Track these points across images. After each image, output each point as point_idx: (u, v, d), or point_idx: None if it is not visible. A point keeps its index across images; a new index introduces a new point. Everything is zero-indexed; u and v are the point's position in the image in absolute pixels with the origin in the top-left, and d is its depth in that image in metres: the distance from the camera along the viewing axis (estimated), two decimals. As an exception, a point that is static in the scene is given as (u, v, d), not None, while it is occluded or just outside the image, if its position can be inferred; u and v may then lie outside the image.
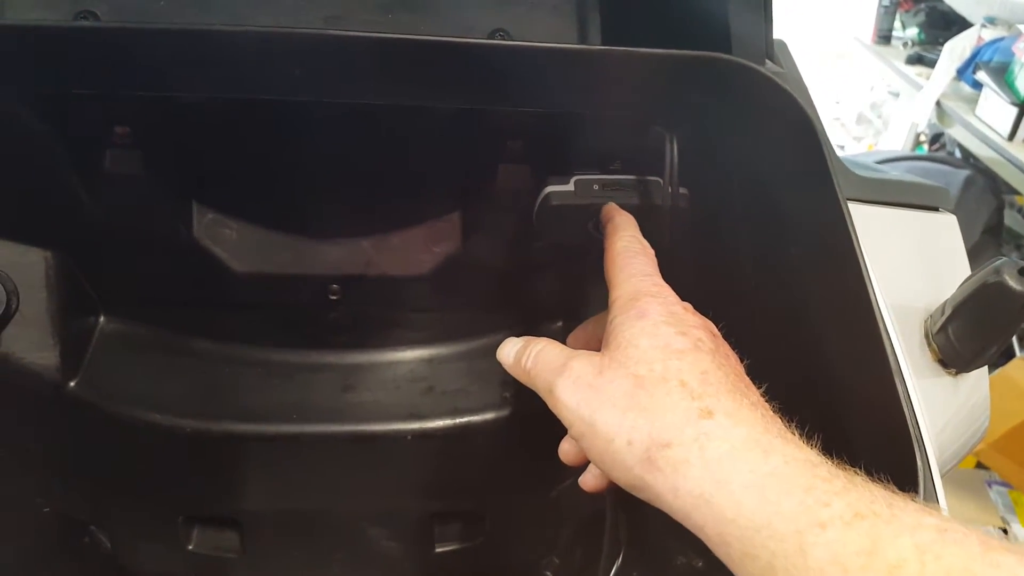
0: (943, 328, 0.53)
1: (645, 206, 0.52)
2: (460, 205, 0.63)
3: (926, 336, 0.54)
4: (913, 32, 2.91)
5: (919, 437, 0.42)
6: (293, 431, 0.64)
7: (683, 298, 0.45)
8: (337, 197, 0.63)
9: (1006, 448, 1.68)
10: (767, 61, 0.55)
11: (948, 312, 0.53)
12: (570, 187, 0.54)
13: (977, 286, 0.52)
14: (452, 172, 0.61)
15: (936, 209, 0.60)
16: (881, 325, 0.43)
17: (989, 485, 1.95)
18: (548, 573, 0.73)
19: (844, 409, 0.47)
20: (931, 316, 0.56)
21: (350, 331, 0.68)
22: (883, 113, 4.42)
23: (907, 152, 2.78)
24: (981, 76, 2.31)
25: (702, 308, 0.46)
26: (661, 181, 0.52)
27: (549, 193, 0.55)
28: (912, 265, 0.56)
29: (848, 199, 0.48)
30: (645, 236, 0.50)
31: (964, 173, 2.27)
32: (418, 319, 0.68)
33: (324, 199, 0.63)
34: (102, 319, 0.66)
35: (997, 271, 0.52)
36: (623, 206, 0.53)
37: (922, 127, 2.63)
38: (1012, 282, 0.51)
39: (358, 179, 0.61)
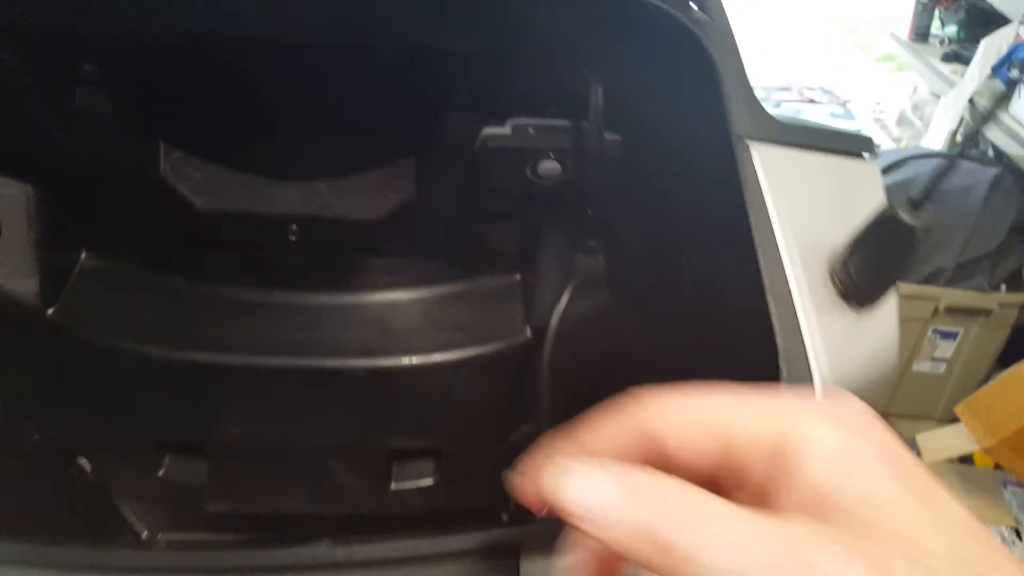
0: (844, 264, 0.55)
1: (576, 150, 0.54)
2: (412, 152, 0.66)
3: (830, 273, 0.55)
4: (952, 30, 2.86)
5: (810, 362, 0.44)
6: (254, 363, 0.67)
7: (626, 244, 0.47)
8: (295, 140, 0.66)
9: (1018, 445, 1.65)
10: (692, 7, 0.57)
11: (848, 248, 0.55)
12: (507, 130, 0.57)
13: (872, 221, 0.53)
14: (403, 118, 0.63)
15: (859, 156, 0.61)
16: (780, 258, 0.45)
17: (1004, 485, 1.92)
18: (504, 516, 0.75)
19: (744, 331, 0.48)
20: (835, 254, 0.57)
21: (310, 273, 0.71)
22: (925, 115, 4.34)
23: (934, 149, 2.73)
24: (1016, 74, 2.27)
25: (642, 249, 0.49)
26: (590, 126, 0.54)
27: (486, 135, 0.58)
28: (827, 207, 0.56)
29: (767, 141, 0.50)
30: (578, 182, 0.52)
31: (993, 171, 2.23)
32: (376, 264, 0.72)
33: (283, 141, 0.66)
34: (83, 255, 0.71)
35: (891, 205, 0.53)
36: (556, 150, 0.55)
37: (953, 125, 2.59)
38: (904, 215, 0.52)
39: (315, 123, 0.64)
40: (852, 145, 0.60)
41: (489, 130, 0.58)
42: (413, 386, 0.69)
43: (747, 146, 0.52)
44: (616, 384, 0.54)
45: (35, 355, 0.69)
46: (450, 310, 0.64)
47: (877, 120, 5.08)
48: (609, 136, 0.57)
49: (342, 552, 0.52)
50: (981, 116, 2.36)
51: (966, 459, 2.08)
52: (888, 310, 0.57)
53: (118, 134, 0.62)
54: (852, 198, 0.55)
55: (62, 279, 0.68)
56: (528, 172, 0.59)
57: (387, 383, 0.68)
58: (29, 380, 0.70)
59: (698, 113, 0.52)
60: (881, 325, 0.56)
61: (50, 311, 0.66)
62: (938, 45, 2.82)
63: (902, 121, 4.63)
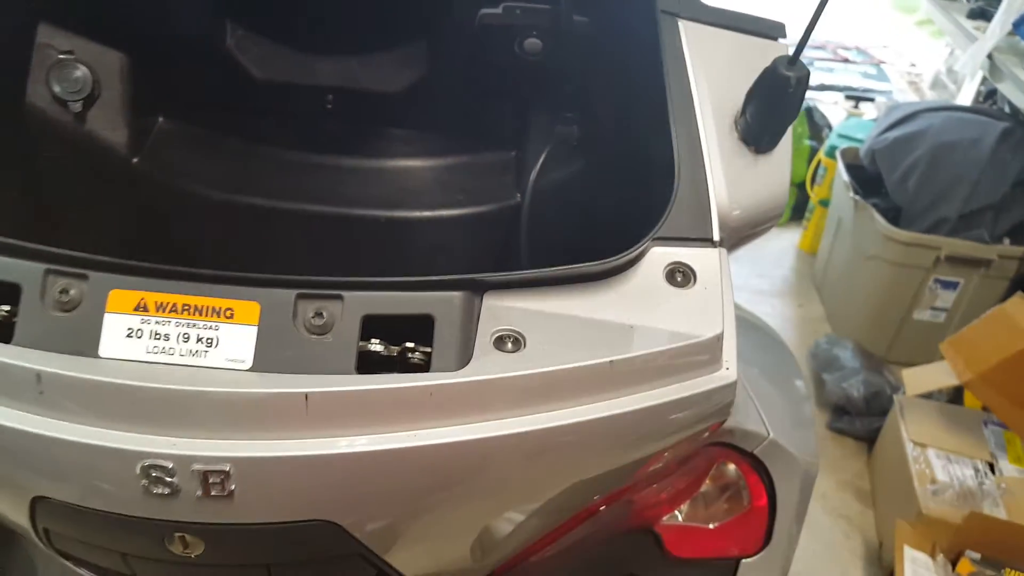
0: (743, 113, 0.66)
1: (553, 29, 0.66)
2: (425, 33, 0.80)
3: (734, 122, 0.67)
4: (982, -13, 2.87)
5: (709, 187, 0.57)
6: (296, 208, 0.84)
7: (596, 113, 0.59)
8: (333, 21, 0.82)
9: (995, 380, 1.75)
10: None
11: (745, 100, 0.66)
12: (499, 11, 0.71)
13: (760, 75, 0.64)
14: (422, 4, 0.77)
15: (774, 39, 0.72)
16: (693, 110, 0.58)
17: (985, 424, 2.01)
18: None
19: (658, 169, 0.61)
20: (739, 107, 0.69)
21: (343, 139, 0.87)
22: (959, 78, 4.31)
23: (948, 103, 2.77)
24: (1035, 30, 2.31)
25: (603, 110, 0.61)
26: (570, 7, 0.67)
27: (483, 13, 0.71)
28: (740, 74, 0.67)
29: (694, 19, 0.63)
30: (556, 61, 0.64)
31: (1003, 125, 2.28)
32: (396, 134, 0.87)
33: (323, 22, 0.82)
34: (160, 119, 0.86)
35: (773, 63, 0.64)
36: (537, 28, 0.69)
37: (970, 80, 2.62)
38: (782, 69, 0.63)
39: (348, 6, 0.79)
40: (767, 29, 0.71)
41: (485, 10, 0.72)
42: (422, 236, 0.84)
43: (675, 21, 0.65)
44: (585, 237, 0.67)
45: (120, 196, 0.84)
46: (456, 177, 0.80)
47: (911, 82, 5.07)
48: (579, 18, 0.71)
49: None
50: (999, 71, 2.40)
51: (956, 400, 2.18)
52: (782, 154, 0.69)
53: (194, 13, 0.78)
54: (761, 68, 0.66)
55: (145, 135, 0.83)
56: (516, 48, 0.73)
57: (401, 232, 0.84)
58: (113, 221, 0.85)
59: None
60: (775, 165, 0.68)
61: (135, 160, 0.82)
62: (965, 1, 2.84)
63: (936, 84, 4.62)
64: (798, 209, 3.37)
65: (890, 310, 2.49)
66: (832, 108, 3.96)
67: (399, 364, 0.56)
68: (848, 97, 4.17)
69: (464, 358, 0.55)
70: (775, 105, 0.64)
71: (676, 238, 0.62)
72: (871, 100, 4.18)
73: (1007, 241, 2.30)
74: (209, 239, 0.87)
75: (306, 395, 0.51)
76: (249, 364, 0.53)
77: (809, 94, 4.55)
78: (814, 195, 3.13)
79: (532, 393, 0.55)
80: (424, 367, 0.55)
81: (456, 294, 0.56)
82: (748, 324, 1.23)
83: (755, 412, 0.90)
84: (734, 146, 0.66)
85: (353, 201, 0.85)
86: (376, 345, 0.55)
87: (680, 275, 0.61)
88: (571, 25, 0.69)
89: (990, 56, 2.46)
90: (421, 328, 0.55)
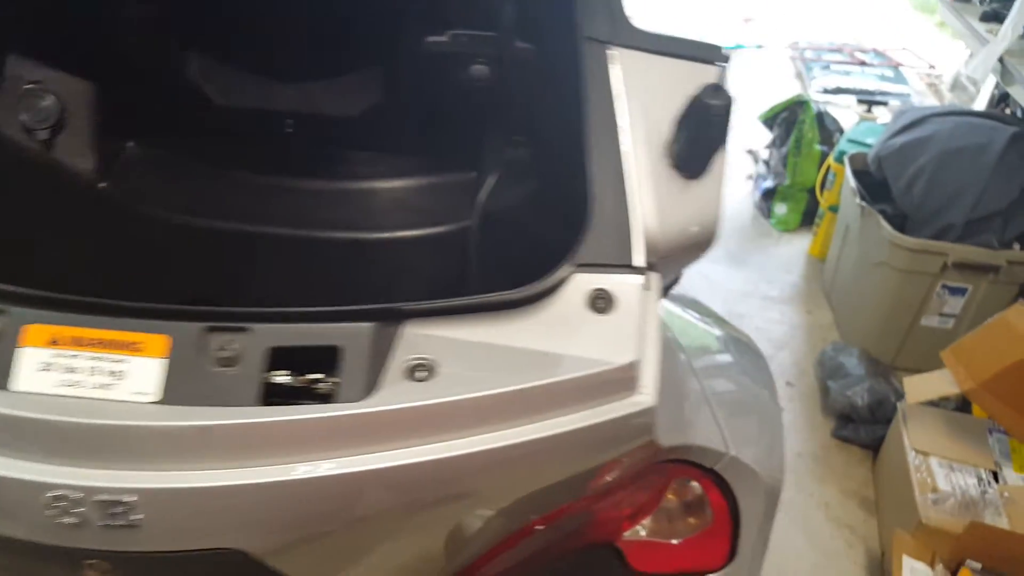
0: (675, 140, 0.67)
1: (496, 56, 0.67)
2: (378, 61, 0.82)
3: (666, 149, 0.68)
4: (995, -11, 2.83)
5: (631, 213, 0.58)
6: (257, 231, 0.85)
7: (541, 131, 0.61)
8: (290, 51, 0.83)
9: (996, 388, 1.72)
10: None
11: (674, 127, 0.66)
12: (445, 38, 0.72)
13: (687, 104, 0.65)
14: (371, 32, 0.79)
15: (711, 63, 0.72)
16: (618, 137, 0.59)
17: (990, 432, 1.98)
18: None
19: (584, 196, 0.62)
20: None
21: (304, 163, 0.88)
22: (977, 80, 4.25)
23: (956, 107, 2.73)
24: (1046, 33, 2.27)
25: (547, 138, 0.62)
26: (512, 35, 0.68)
27: (430, 41, 0.72)
28: (674, 102, 0.67)
29: (628, 47, 0.64)
30: (504, 86, 0.65)
31: (1012, 130, 2.25)
32: (357, 157, 0.88)
33: (281, 52, 0.84)
34: (130, 144, 0.88)
35: (699, 91, 0.64)
36: (483, 55, 0.70)
37: (980, 82, 2.59)
38: (707, 98, 0.64)
39: (305, 37, 0.81)
40: (704, 53, 0.71)
41: (432, 37, 0.73)
42: (383, 257, 0.85)
43: (604, 49, 0.66)
44: (535, 261, 0.68)
45: (84, 219, 0.86)
46: (417, 199, 0.81)
47: (931, 85, 5.00)
48: (523, 45, 0.72)
49: None
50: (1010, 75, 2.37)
51: (964, 408, 2.15)
52: (713, 179, 0.69)
53: (160, 42, 0.80)
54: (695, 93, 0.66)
55: (113, 160, 0.85)
56: (464, 74, 0.74)
57: (362, 253, 0.86)
58: (80, 241, 0.87)
59: (561, 21, 0.65)
60: (706, 190, 0.68)
61: (101, 184, 0.84)
62: (978, 4, 2.81)
63: (956, 86, 4.55)
64: (809, 215, 3.35)
65: (897, 317, 2.46)
66: (846, 112, 3.92)
67: (307, 394, 0.56)
68: (861, 101, 4.13)
69: (370, 388, 0.56)
70: (702, 133, 0.64)
71: (599, 264, 0.63)
72: (885, 104, 4.13)
73: (1016, 247, 2.26)
74: (168, 262, 0.89)
75: (206, 428, 0.52)
76: (156, 397, 0.54)
77: (823, 98, 4.52)
78: (824, 201, 3.10)
79: (438, 422, 0.56)
80: (331, 397, 0.56)
81: (365, 325, 0.57)
82: (720, 338, 1.23)
83: (716, 429, 0.89)
84: (664, 172, 0.67)
85: (315, 223, 0.87)
86: (282, 377, 0.56)
87: (601, 301, 0.62)
88: (514, 52, 0.70)
89: (1001, 60, 2.43)
90: (331, 358, 0.56)
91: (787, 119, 3.47)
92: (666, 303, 1.15)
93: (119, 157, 0.87)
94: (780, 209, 3.46)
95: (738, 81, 4.88)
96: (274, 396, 0.56)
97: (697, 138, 0.64)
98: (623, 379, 0.60)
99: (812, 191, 3.25)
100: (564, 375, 0.58)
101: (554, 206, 0.80)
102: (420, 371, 0.57)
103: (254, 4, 0.82)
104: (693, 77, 0.66)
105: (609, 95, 0.66)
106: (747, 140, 4.12)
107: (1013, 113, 2.60)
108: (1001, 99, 2.77)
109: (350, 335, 0.56)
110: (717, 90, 0.63)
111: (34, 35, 0.77)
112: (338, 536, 0.59)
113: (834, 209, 3.02)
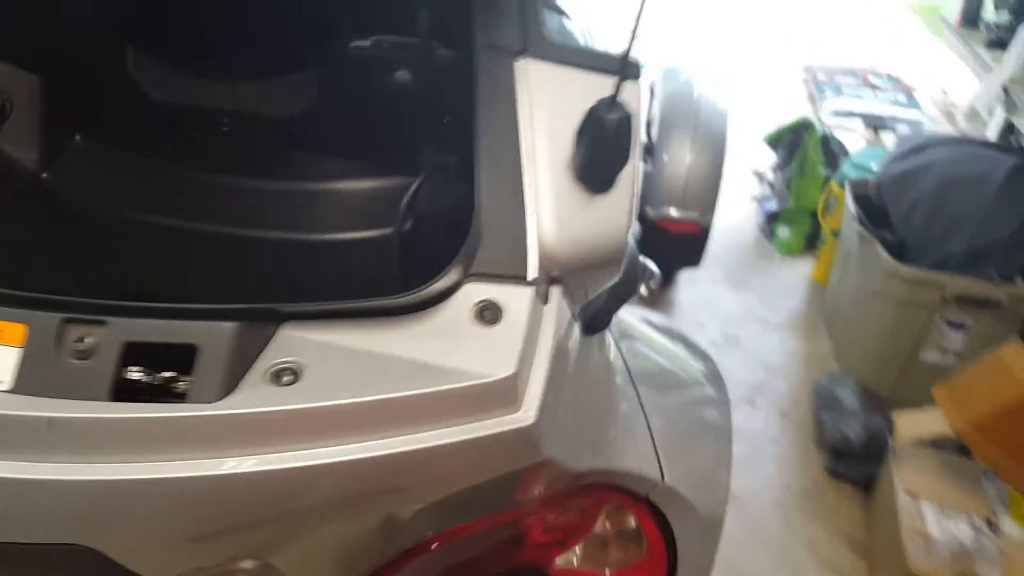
0: (576, 152, 0.63)
1: (421, 61, 0.64)
2: (310, 63, 0.80)
3: (570, 161, 0.64)
4: (1004, 16, 2.77)
5: (528, 225, 0.60)
6: (189, 227, 0.83)
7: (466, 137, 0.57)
8: (225, 49, 0.83)
9: (989, 430, 1.65)
10: None
11: (575, 140, 0.62)
12: (368, 43, 0.69)
13: (584, 117, 0.61)
14: (304, 36, 0.78)
15: (626, 77, 0.68)
16: (517, 147, 0.55)
17: (986, 477, 1.90)
18: None
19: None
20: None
21: (241, 162, 0.86)
22: (995, 109, 4.17)
23: (957, 135, 2.66)
24: (1053, 61, 2.21)
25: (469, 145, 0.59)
26: (431, 42, 0.64)
27: (353, 46, 0.70)
28: (579, 113, 0.64)
29: (537, 58, 0.60)
30: (428, 92, 0.62)
31: (1013, 161, 2.18)
32: (295, 158, 0.86)
33: (219, 50, 0.82)
34: (77, 137, 0.87)
35: (596, 104, 0.61)
36: (405, 60, 0.66)
37: (985, 111, 2.52)
38: (601, 112, 0.61)
39: (240, 36, 0.79)
40: (617, 66, 0.67)
41: (356, 42, 0.71)
42: (319, 259, 0.83)
43: (509, 59, 0.64)
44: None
45: (21, 208, 0.85)
46: (354, 201, 0.80)
47: (946, 112, 4.92)
48: (445, 52, 0.69)
49: None
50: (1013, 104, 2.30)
51: (965, 451, 2.06)
52: (620, 194, 0.66)
53: (98, 38, 0.79)
54: None
55: (57, 152, 0.84)
56: (388, 79, 0.71)
57: (297, 254, 0.84)
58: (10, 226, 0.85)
59: (465, 30, 0.62)
60: (611, 205, 0.65)
61: (44, 175, 0.83)
62: (984, 31, 2.74)
63: (972, 114, 4.47)
64: (812, 239, 3.28)
65: (895, 349, 2.38)
66: (853, 136, 3.86)
67: (163, 392, 0.54)
68: (868, 125, 4.06)
69: (227, 390, 0.54)
70: (600, 147, 0.62)
71: (491, 275, 0.61)
72: (892, 129, 4.05)
73: (1019, 281, 2.18)
74: (95, 253, 0.87)
75: (49, 419, 0.51)
76: (8, 386, 0.53)
77: (834, 121, 4.45)
78: (826, 225, 3.03)
79: (295, 429, 0.53)
80: (185, 397, 0.54)
81: (226, 325, 0.55)
82: (677, 357, 1.18)
83: (652, 455, 0.85)
84: (567, 186, 0.64)
85: (249, 222, 0.86)
86: (136, 373, 0.54)
87: (489, 312, 0.59)
88: (435, 59, 0.67)
89: (1006, 89, 2.37)
90: (188, 357, 0.55)
91: (792, 141, 3.41)
92: (623, 317, 1.11)
93: (65, 149, 0.86)
94: (783, 232, 3.39)
95: (746, 100, 4.82)
96: (126, 392, 0.54)
97: (594, 153, 0.62)
98: (502, 394, 0.57)
99: (815, 214, 3.18)
100: (435, 387, 0.55)
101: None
102: (287, 375, 0.55)
103: (196, 6, 0.84)
104: (605, 90, 0.62)
105: (511, 105, 0.64)
106: (754, 161, 4.07)
107: (1019, 143, 2.53)
108: (1010, 129, 2.69)
109: (210, 334, 0.55)
110: (612, 104, 0.60)
111: None
112: (195, 539, 0.57)
113: (836, 234, 2.96)
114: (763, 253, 3.39)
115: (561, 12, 2.25)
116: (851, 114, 4.25)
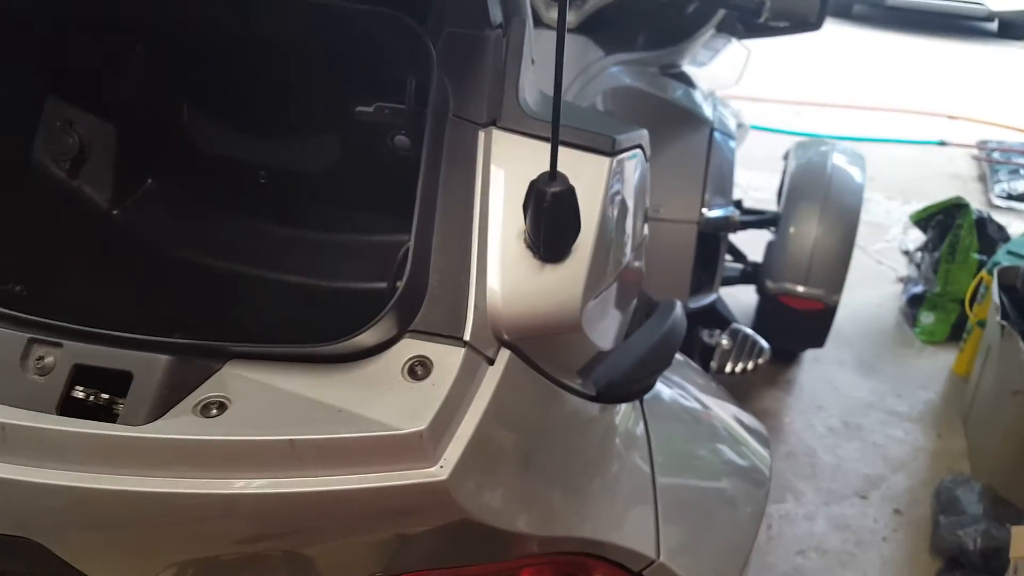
0: (526, 223, 0.64)
1: (414, 127, 0.70)
2: (329, 125, 0.88)
3: (524, 231, 0.66)
4: None
5: (471, 289, 0.64)
6: (224, 265, 0.94)
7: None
8: (261, 108, 0.95)
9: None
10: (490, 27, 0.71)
11: (525, 211, 0.64)
12: (370, 109, 0.76)
13: (530, 189, 0.62)
14: (322, 99, 0.85)
15: (600, 152, 0.69)
16: (471, 216, 0.61)
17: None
18: None
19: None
20: None
21: (275, 211, 0.96)
22: None
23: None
24: None
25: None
26: (422, 109, 0.70)
27: (357, 111, 0.77)
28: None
29: (507, 130, 0.64)
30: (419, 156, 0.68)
31: None
32: (319, 210, 0.95)
33: (252, 109, 0.94)
34: (149, 180, 1.00)
35: (537, 176, 0.62)
36: (404, 127, 0.73)
37: None
38: (541, 185, 0.62)
39: (272, 100, 0.90)
40: (592, 143, 0.68)
41: (360, 108, 0.78)
42: (327, 303, 0.90)
43: (474, 129, 0.68)
44: None
45: (89, 242, 0.99)
46: (376, 254, 0.86)
47: None
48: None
49: None
50: None
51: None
52: (574, 265, 0.66)
53: (160, 96, 0.94)
54: (572, 183, 0.63)
55: (129, 193, 0.98)
56: (389, 141, 0.78)
57: (311, 298, 0.91)
58: (93, 260, 0.99)
59: (430, 100, 0.67)
60: (563, 275, 0.66)
61: (115, 212, 0.97)
62: None
63: None
64: (958, 328, 3.04)
65: (1033, 456, 2.16)
66: (1020, 222, 3.56)
67: (102, 412, 0.62)
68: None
69: (153, 416, 0.60)
70: (545, 219, 0.63)
71: (428, 332, 0.64)
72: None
73: None
74: (146, 285, 0.99)
75: (3, 425, 0.60)
76: None
77: (1005, 204, 4.12)
78: (973, 315, 2.81)
79: (206, 458, 0.59)
80: (116, 418, 0.61)
81: (163, 357, 0.61)
82: (716, 430, 1.15)
83: (651, 530, 0.84)
84: (516, 253, 0.66)
85: (278, 266, 0.94)
86: (79, 392, 0.62)
87: (421, 368, 0.62)
88: (423, 125, 0.72)
89: None
90: (125, 382, 0.61)
91: (942, 222, 3.20)
92: (664, 391, 1.09)
93: (137, 191, 0.99)
94: (927, 318, 3.17)
95: (904, 173, 4.58)
96: (71, 408, 0.61)
97: (538, 224, 0.63)
98: (413, 448, 0.59)
99: (963, 302, 2.95)
100: (342, 433, 0.58)
101: None
102: (214, 408, 0.60)
103: (227, 64, 0.94)
104: (573, 166, 0.65)
105: (472, 175, 0.67)
106: (906, 239, 3.84)
107: None
108: None
109: (146, 363, 0.61)
110: (553, 177, 0.61)
111: (67, 83, 0.91)
112: (127, 550, 0.64)
113: (982, 324, 2.73)
114: (901, 339, 3.17)
115: (689, 83, 2.27)
116: (1018, 196, 3.93)
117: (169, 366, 0.61)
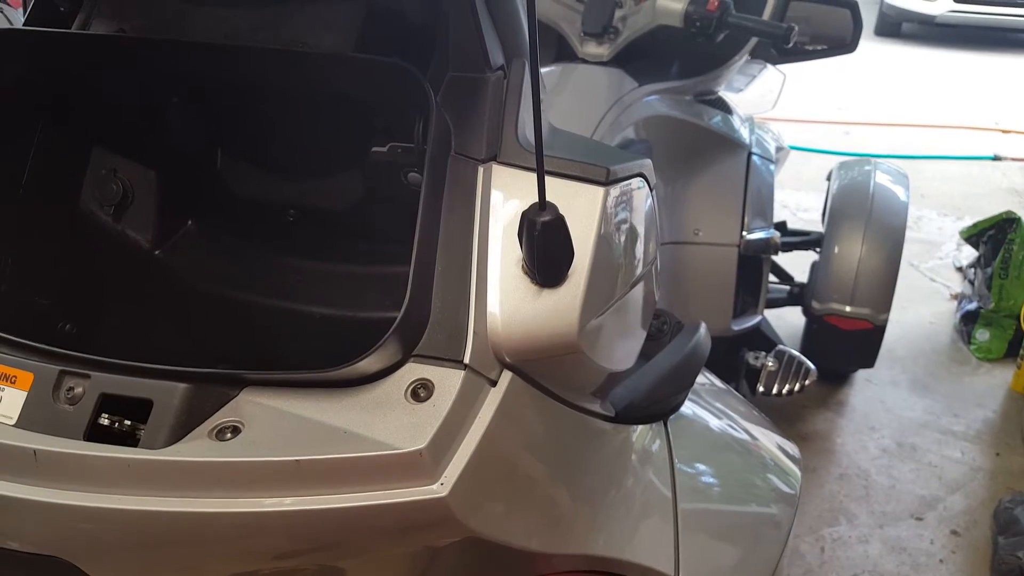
0: (522, 250, 0.68)
1: (421, 164, 0.74)
2: (351, 167, 0.97)
3: (521, 259, 0.69)
4: None
5: (470, 312, 0.68)
6: (267, 303, 1.00)
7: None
8: (289, 151, 1.02)
9: None
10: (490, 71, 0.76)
11: (520, 239, 0.68)
12: (385, 149, 0.81)
13: (522, 219, 0.66)
14: (343, 142, 0.95)
15: (593, 182, 0.72)
16: (471, 247, 0.69)
17: None
18: None
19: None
20: None
21: (306, 246, 1.04)
22: None
23: None
24: None
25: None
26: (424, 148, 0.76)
27: (373, 151, 0.85)
28: None
29: (505, 164, 0.72)
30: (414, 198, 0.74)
31: None
32: (345, 246, 1.02)
33: (280, 152, 1.02)
34: (190, 222, 1.07)
35: (529, 207, 0.66)
36: (416, 165, 0.78)
37: None
38: (531, 214, 0.65)
39: (297, 144, 1.00)
40: (586, 173, 0.72)
41: (376, 148, 0.84)
42: (359, 332, 0.95)
43: (475, 166, 0.73)
44: None
45: (132, 281, 1.06)
46: (386, 286, 0.91)
47: None
48: None
49: None
50: None
51: None
52: (570, 289, 0.69)
53: (197, 143, 1.00)
54: (567, 212, 0.66)
55: (170, 234, 1.04)
56: (402, 177, 0.84)
57: (338, 328, 0.96)
58: (137, 297, 1.06)
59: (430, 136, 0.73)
60: (560, 300, 0.69)
61: (157, 252, 1.03)
62: None
63: None
64: (1015, 345, 2.97)
65: (1095, 474, 2.10)
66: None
67: (126, 437, 0.66)
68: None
69: (171, 440, 0.64)
70: (537, 246, 0.66)
71: (431, 356, 0.67)
72: None
73: None
74: (188, 320, 1.06)
75: (35, 451, 0.65)
76: (12, 421, 0.68)
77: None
78: (1029, 331, 2.75)
79: (219, 479, 0.63)
80: (137, 443, 0.65)
81: (180, 385, 0.66)
82: (747, 453, 1.16)
83: (669, 547, 0.86)
84: (514, 279, 0.70)
85: (308, 299, 0.99)
86: (105, 419, 0.67)
87: (423, 391, 0.65)
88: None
89: None
90: (146, 409, 0.66)
91: (994, 237, 3.15)
92: (691, 406, 1.11)
93: (179, 231, 1.06)
94: (982, 335, 3.10)
95: (946, 192, 4.50)
96: (97, 434, 0.66)
97: (533, 250, 0.67)
98: (413, 466, 0.62)
99: (1019, 318, 2.89)
100: (347, 453, 0.62)
101: None
102: (228, 432, 0.65)
103: (254, 113, 1.00)
104: (569, 196, 0.69)
105: (472, 207, 0.71)
106: (960, 256, 3.77)
107: None
108: None
109: (165, 391, 0.66)
110: (543, 207, 0.64)
111: (112, 133, 0.98)
112: (154, 569, 0.68)
113: (1040, 341, 2.68)
114: (957, 357, 3.11)
115: (726, 109, 2.30)
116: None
117: (187, 393, 0.66)
